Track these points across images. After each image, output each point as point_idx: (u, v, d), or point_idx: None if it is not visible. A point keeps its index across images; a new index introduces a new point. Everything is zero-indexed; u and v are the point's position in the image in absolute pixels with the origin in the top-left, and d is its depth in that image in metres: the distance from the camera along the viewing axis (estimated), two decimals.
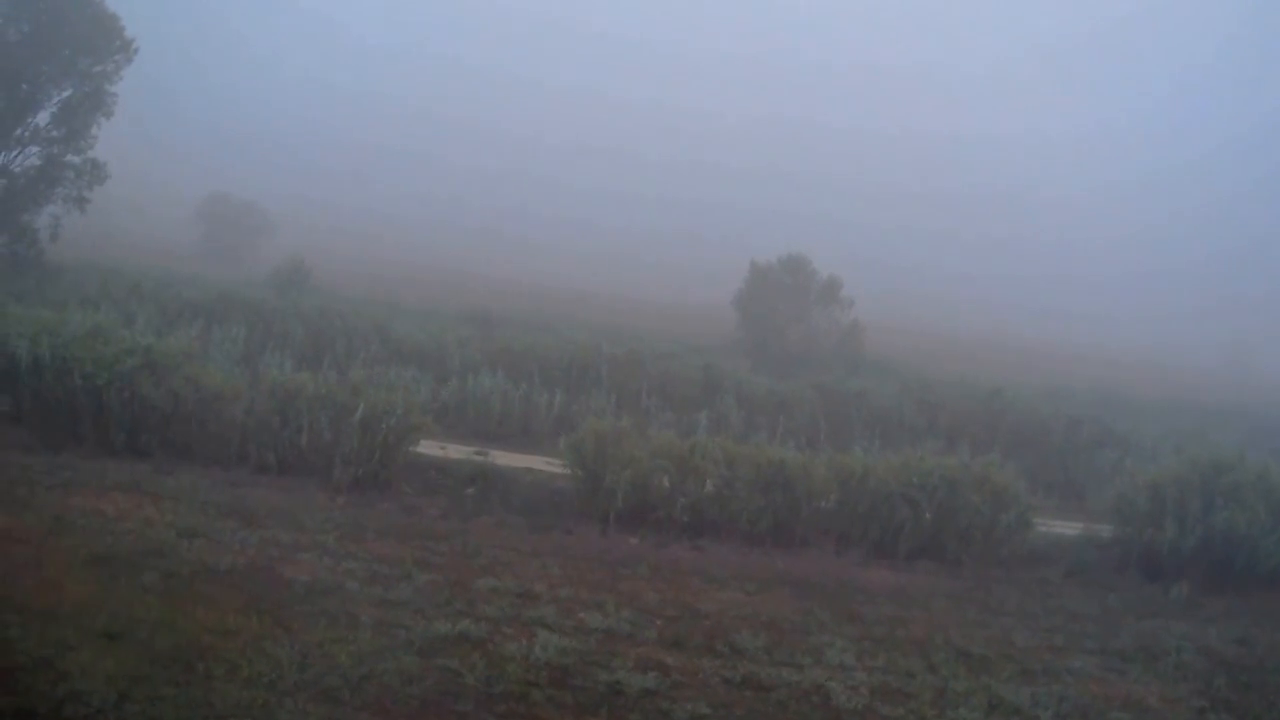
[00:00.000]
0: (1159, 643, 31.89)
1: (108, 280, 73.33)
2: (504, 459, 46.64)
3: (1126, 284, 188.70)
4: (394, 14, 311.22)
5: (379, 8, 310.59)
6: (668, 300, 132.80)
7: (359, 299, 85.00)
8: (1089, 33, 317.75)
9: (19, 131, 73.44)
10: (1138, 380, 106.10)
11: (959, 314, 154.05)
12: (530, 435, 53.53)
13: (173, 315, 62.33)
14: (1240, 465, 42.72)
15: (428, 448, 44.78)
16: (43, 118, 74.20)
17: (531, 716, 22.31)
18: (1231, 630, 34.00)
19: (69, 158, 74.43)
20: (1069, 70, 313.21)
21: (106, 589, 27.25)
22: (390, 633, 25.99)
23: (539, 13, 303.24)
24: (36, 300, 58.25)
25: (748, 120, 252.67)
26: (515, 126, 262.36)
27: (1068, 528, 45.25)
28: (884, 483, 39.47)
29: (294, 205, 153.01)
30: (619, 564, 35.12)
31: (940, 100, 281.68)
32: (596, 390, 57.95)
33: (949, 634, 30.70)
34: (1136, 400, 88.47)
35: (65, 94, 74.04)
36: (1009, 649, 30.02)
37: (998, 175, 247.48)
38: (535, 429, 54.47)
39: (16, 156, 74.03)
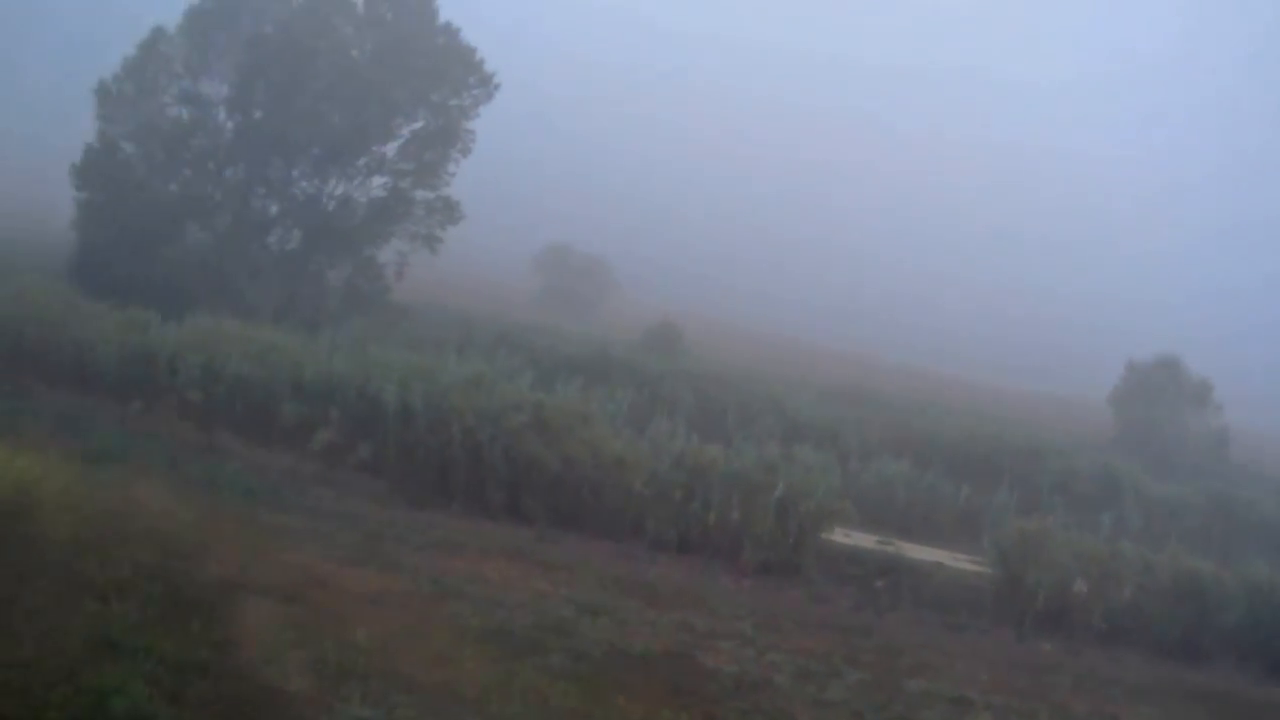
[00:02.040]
0: None
1: (472, 326, 74.68)
2: (911, 550, 44.98)
3: None
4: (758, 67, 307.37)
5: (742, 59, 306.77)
6: (1019, 389, 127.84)
7: (728, 366, 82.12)
8: None
9: (363, 160, 74.33)
10: None
11: None
12: (931, 525, 51.45)
13: (547, 370, 61.21)
14: None
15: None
16: (390, 148, 74.49)
17: None
18: None
19: (418, 193, 74.41)
20: None
21: (509, 669, 26.06)
22: None
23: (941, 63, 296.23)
24: (387, 341, 59.10)
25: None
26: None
27: None
28: None
29: (623, 255, 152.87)
30: (1041, 671, 33.42)
31: None
32: (994, 482, 55.09)
33: None
34: None
35: (416, 125, 74.20)
36: None
37: None
38: (937, 519, 52.21)
39: (359, 185, 75.03)
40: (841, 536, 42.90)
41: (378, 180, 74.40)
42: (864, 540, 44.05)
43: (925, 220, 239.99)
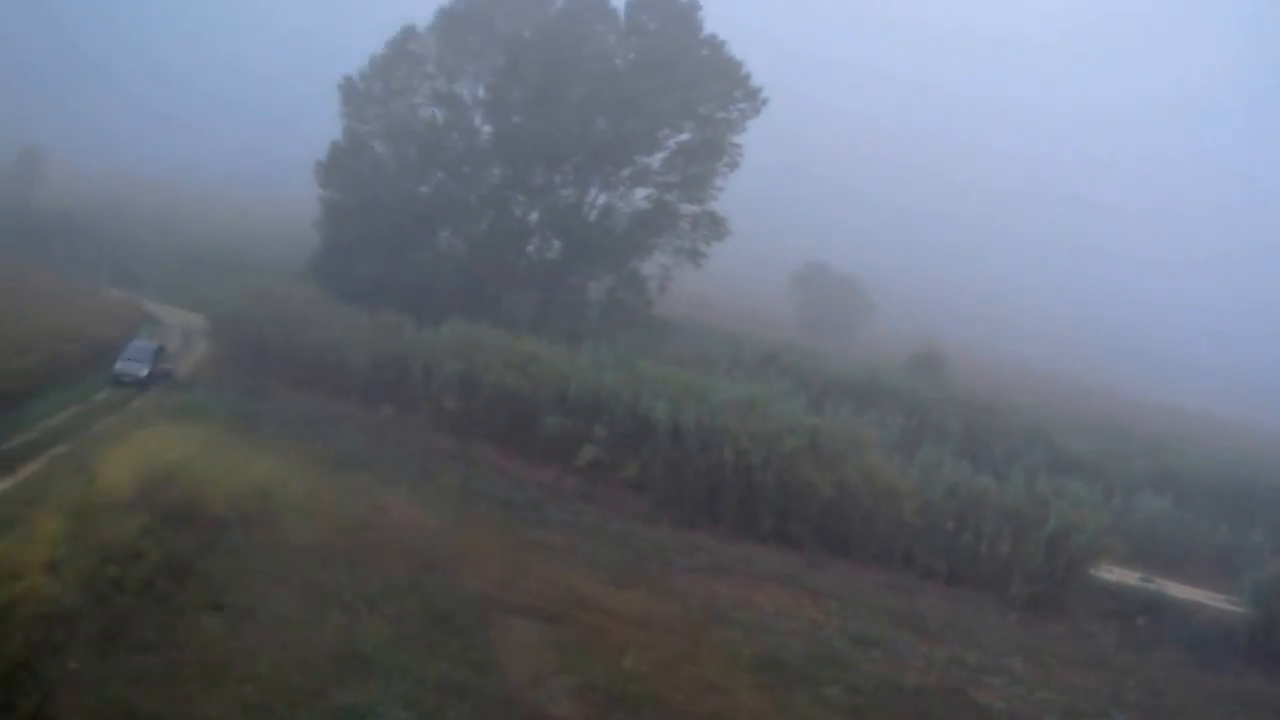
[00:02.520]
0: None
1: (739, 345, 72.43)
2: (1172, 589, 43.76)
3: None
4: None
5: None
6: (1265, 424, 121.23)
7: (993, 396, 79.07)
8: None
9: (627, 170, 72.80)
10: None
11: None
12: (1189, 562, 49.44)
13: (816, 393, 59.34)
14: None
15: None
16: (655, 160, 72.67)
17: None
18: None
19: (684, 206, 72.45)
20: None
21: (783, 701, 25.51)
22: None
23: None
24: (649, 356, 57.68)
25: None
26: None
27: None
28: None
29: (884, 276, 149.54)
30: None
31: None
32: (1249, 520, 52.67)
33: None
34: None
35: (682, 137, 72.41)
36: None
37: None
38: (1195, 556, 50.04)
39: (621, 195, 73.55)
40: (1104, 572, 42.28)
41: (641, 192, 72.85)
42: (1126, 576, 43.47)
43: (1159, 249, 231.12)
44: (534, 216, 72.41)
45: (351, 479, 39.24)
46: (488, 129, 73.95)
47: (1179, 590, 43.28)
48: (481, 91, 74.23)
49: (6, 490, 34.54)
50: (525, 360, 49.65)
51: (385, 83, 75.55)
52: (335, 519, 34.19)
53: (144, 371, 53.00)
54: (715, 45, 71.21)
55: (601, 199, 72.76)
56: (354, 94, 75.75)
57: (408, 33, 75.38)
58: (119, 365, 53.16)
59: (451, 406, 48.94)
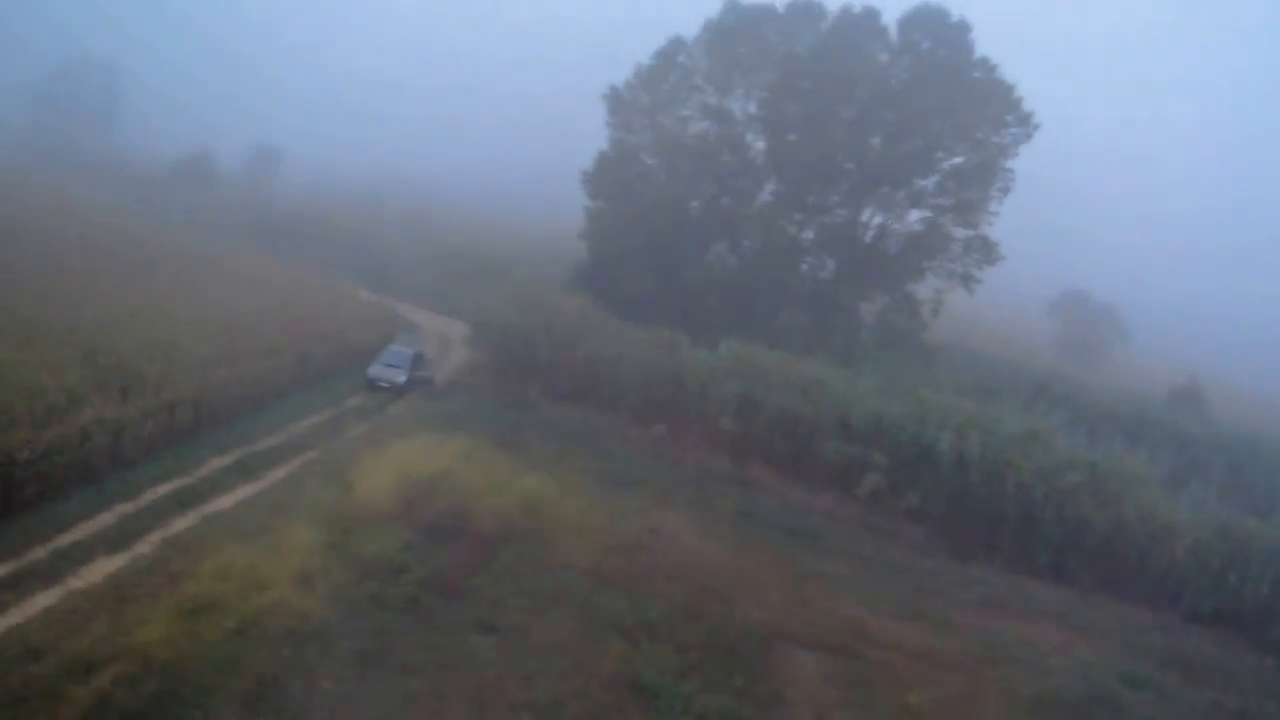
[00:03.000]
0: None
1: (1012, 373, 72.17)
2: None
3: None
4: None
5: None
6: None
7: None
8: None
9: (901, 192, 72.46)
10: None
11: None
12: None
13: (1089, 426, 58.32)
14: None
15: None
16: (929, 182, 72.10)
17: None
18: None
19: (956, 230, 71.83)
20: None
21: None
22: None
23: None
24: (921, 382, 56.77)
25: None
26: None
27: None
28: None
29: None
30: None
31: None
32: None
33: None
34: None
35: (956, 160, 71.73)
36: None
37: None
38: None
39: (894, 217, 73.26)
40: None
41: (914, 214, 72.66)
42: None
43: None
44: (807, 235, 72.35)
45: (624, 498, 39.37)
46: (760, 145, 73.93)
47: None
48: (753, 107, 74.35)
49: (252, 496, 35.06)
50: (807, 384, 49.29)
51: (652, 95, 76.35)
52: (608, 539, 34.16)
53: (401, 378, 53.65)
54: (988, 68, 70.50)
55: (876, 219, 72.49)
56: (620, 105, 76.86)
57: (676, 44, 76.30)
58: (374, 370, 54.08)
59: (729, 428, 48.53)
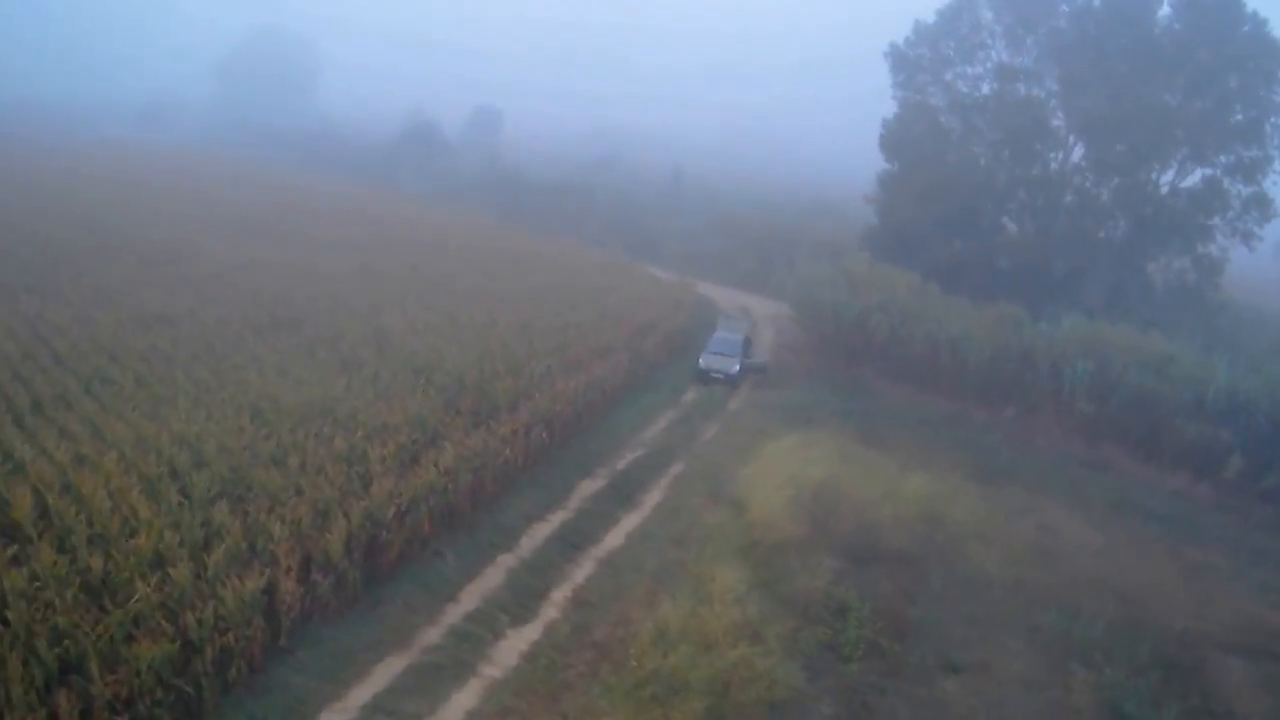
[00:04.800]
0: None
1: None
2: None
3: None
4: None
5: None
6: None
7: None
8: None
9: (1187, 150, 71.41)
10: None
11: None
12: None
13: None
14: None
15: None
16: (1218, 140, 70.84)
17: None
18: None
19: (1234, 187, 70.62)
20: None
21: None
22: None
23: None
24: (1220, 344, 57.03)
25: None
26: None
27: None
28: None
29: None
30: None
31: None
32: None
33: None
34: None
35: (1236, 118, 70.55)
36: None
37: None
38: None
39: (1183, 175, 72.41)
40: None
41: (1199, 172, 71.59)
42: None
43: None
44: (1104, 196, 71.68)
45: (1002, 493, 38.59)
46: (1053, 103, 73.48)
47: None
48: (1042, 64, 73.99)
49: (640, 527, 33.33)
50: (1160, 360, 48.59)
51: (933, 51, 76.26)
52: (1012, 545, 33.48)
53: (735, 367, 52.39)
54: (1259, 22, 69.65)
55: (1166, 178, 71.82)
56: (904, 62, 76.89)
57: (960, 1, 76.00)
58: (705, 359, 52.77)
59: (1085, 408, 48.10)
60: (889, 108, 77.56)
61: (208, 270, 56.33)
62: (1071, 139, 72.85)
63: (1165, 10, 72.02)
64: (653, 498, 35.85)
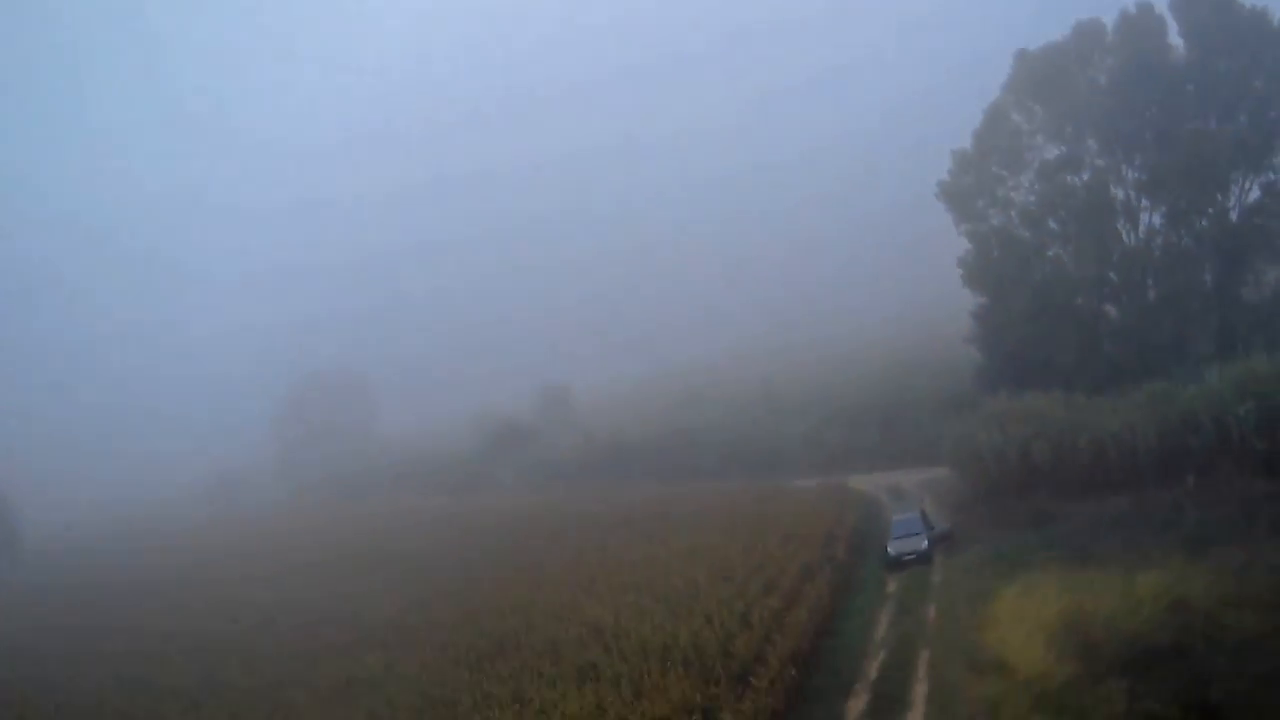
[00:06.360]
0: None
1: None
2: None
3: None
4: None
5: None
6: None
7: None
8: None
9: (1238, 173, 71.53)
10: None
11: None
12: None
13: None
14: None
15: None
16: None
17: None
18: None
19: None
20: None
21: None
22: None
23: None
24: None
25: None
26: None
27: None
28: None
29: None
30: None
31: None
32: None
33: None
34: None
35: (1271, 115, 71.01)
36: None
37: None
38: None
39: (1242, 195, 72.22)
40: None
41: (1255, 187, 71.76)
42: None
43: None
44: (1185, 240, 72.01)
45: (1226, 552, 37.98)
46: (1110, 176, 73.82)
47: None
48: (1084, 144, 74.87)
49: None
50: None
51: (981, 174, 77.20)
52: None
53: (924, 543, 52.55)
54: (1260, 16, 71.21)
55: (1230, 202, 71.84)
56: (957, 196, 78.32)
57: (994, 112, 77.18)
58: (894, 546, 52.87)
59: (1258, 446, 48.18)
60: (935, 248, 78.84)
61: None
62: (1134, 197, 73.36)
63: (1175, 39, 73.48)
64: (919, 690, 34.37)
